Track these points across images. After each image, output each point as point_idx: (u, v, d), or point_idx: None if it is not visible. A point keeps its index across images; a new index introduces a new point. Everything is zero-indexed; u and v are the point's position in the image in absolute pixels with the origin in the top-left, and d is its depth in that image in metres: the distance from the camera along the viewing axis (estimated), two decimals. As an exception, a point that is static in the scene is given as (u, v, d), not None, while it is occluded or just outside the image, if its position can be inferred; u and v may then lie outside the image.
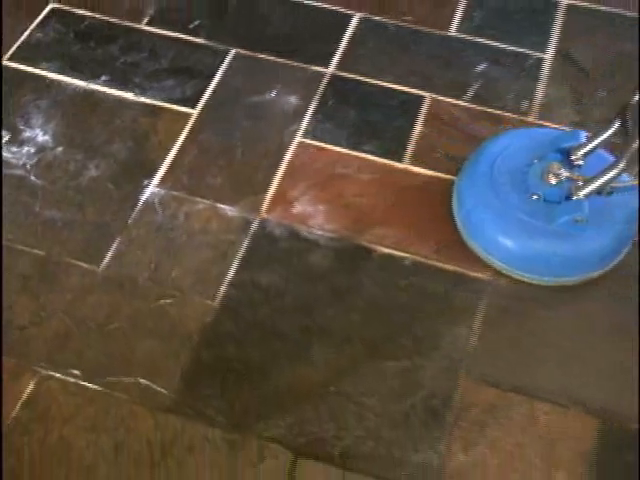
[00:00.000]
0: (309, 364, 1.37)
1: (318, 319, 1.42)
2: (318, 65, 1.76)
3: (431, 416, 1.33)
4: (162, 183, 1.56)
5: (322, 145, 1.63)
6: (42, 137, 1.61)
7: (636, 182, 1.42)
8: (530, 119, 1.72)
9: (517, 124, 1.71)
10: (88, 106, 1.67)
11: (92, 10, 1.82)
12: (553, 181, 1.45)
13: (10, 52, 1.75)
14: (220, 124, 1.66)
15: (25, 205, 1.51)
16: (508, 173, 1.49)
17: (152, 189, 1.55)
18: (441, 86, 1.75)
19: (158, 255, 1.47)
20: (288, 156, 1.62)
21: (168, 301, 1.42)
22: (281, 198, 1.56)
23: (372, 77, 1.75)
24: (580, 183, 1.43)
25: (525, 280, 1.47)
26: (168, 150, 1.60)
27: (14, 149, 1.58)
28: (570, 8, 1.93)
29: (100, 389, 1.31)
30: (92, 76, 1.71)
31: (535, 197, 1.46)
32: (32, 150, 1.58)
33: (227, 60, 1.76)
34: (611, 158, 1.46)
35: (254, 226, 1.51)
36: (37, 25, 1.80)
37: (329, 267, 1.48)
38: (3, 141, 1.60)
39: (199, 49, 1.77)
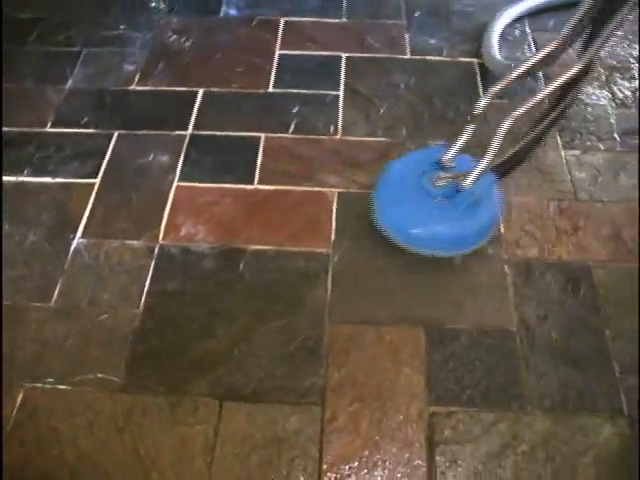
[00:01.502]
0: (215, 337, 1.45)
1: (214, 305, 1.50)
2: (179, 130, 1.84)
3: (309, 353, 1.43)
4: (84, 235, 1.61)
5: (193, 185, 1.71)
6: None
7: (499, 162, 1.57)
8: (337, 137, 1.82)
9: (329, 142, 1.81)
10: (19, 192, 1.71)
11: (8, 125, 1.86)
12: (442, 183, 1.53)
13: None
14: (117, 185, 1.71)
15: (-15, 271, 1.57)
16: (412, 187, 1.55)
17: (77, 240, 1.60)
18: (270, 127, 1.84)
19: (91, 286, 1.52)
20: (170, 197, 1.68)
21: (105, 316, 1.48)
22: (171, 227, 1.62)
23: (220, 130, 1.83)
24: (460, 178, 1.51)
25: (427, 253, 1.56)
26: (83, 211, 1.65)
27: (-30, 234, 1.64)
28: (349, 59, 2.05)
29: (70, 387, 1.38)
30: (18, 171, 1.75)
31: (436, 198, 1.53)
32: (-17, 232, 1.64)
33: (113, 140, 1.82)
34: (468, 157, 1.57)
35: (156, 251, 1.58)
36: None
37: (215, 268, 1.55)
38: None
39: (91, 137, 1.83)
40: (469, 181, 1.49)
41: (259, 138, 1.81)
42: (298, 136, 1.82)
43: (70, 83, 1.99)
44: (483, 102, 1.44)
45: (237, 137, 1.82)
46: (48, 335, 1.45)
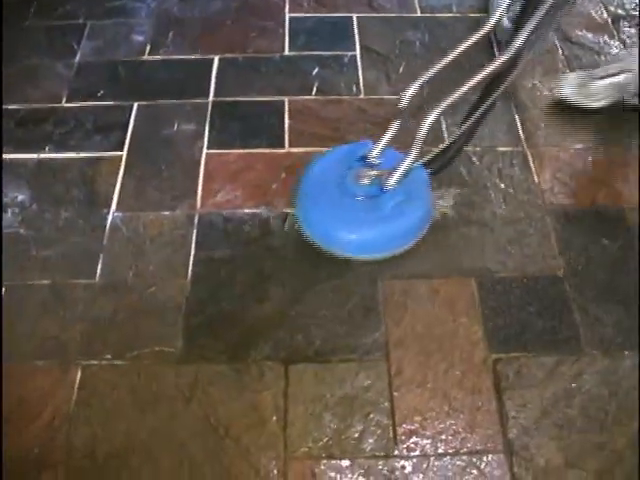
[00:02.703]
0: (269, 301, 1.41)
1: (264, 270, 1.46)
2: (201, 98, 1.78)
3: (366, 310, 1.41)
4: (118, 208, 1.55)
5: (223, 151, 1.65)
6: (19, 202, 1.56)
7: (427, 158, 1.43)
8: (361, 96, 1.79)
9: (354, 102, 1.77)
10: (43, 170, 1.63)
11: (23, 103, 1.77)
12: (366, 182, 1.41)
13: (-30, 147, 1.69)
14: (144, 157, 1.65)
15: (23, 252, 1.48)
16: (333, 187, 1.43)
17: (113, 215, 1.53)
18: (292, 90, 1.79)
19: (134, 259, 1.46)
20: (202, 165, 1.63)
21: (153, 289, 1.42)
22: (208, 195, 1.57)
23: (242, 96, 1.78)
24: (385, 176, 1.38)
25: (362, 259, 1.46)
26: (114, 185, 1.59)
27: (2, 214, 1.54)
28: (361, 19, 2.01)
29: (128, 362, 1.33)
30: (39, 149, 1.67)
31: (359, 198, 1.41)
32: (16, 211, 1.54)
33: (133, 111, 1.75)
34: (397, 153, 1.43)
35: (196, 219, 1.53)
36: None
37: (259, 232, 1.51)
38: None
39: (110, 109, 1.76)
40: (393, 180, 1.37)
41: (283, 102, 1.76)
42: (322, 97, 1.78)
43: (79, 56, 1.90)
44: (408, 94, 1.31)
45: (261, 102, 1.77)
46: (97, 312, 1.39)
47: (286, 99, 1.76)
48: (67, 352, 1.34)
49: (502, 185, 1.60)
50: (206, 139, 1.68)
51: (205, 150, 1.66)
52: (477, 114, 1.36)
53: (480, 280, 1.45)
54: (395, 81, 1.84)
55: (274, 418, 1.26)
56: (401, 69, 1.86)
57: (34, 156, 1.66)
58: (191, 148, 1.66)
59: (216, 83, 1.82)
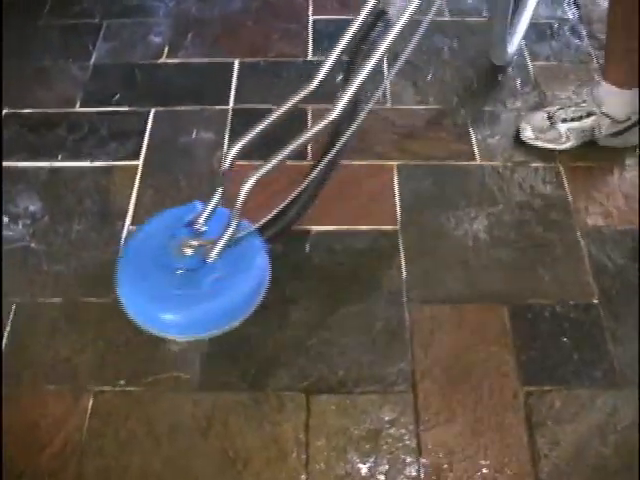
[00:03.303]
0: (290, 326, 1.34)
1: (285, 292, 1.38)
2: (220, 104, 1.70)
3: (392, 337, 1.32)
4: (134, 221, 1.47)
5: (244, 162, 1.51)
6: (30, 213, 1.49)
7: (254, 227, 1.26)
8: (388, 105, 1.71)
9: (381, 112, 1.68)
10: (56, 179, 1.56)
11: (35, 107, 1.70)
12: (189, 252, 1.24)
13: (-19, 154, 1.63)
14: (161, 166, 1.58)
15: (34, 267, 1.41)
16: (151, 258, 1.26)
17: (128, 228, 1.46)
18: (316, 97, 1.61)
19: None
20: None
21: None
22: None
23: (263, 103, 1.69)
24: (209, 246, 1.23)
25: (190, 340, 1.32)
26: (129, 196, 1.51)
27: (12, 226, 1.47)
28: None
29: (143, 389, 1.25)
30: (52, 156, 1.59)
31: (180, 271, 1.23)
32: (27, 223, 1.47)
33: (150, 117, 1.68)
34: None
35: None
36: None
37: (281, 251, 1.40)
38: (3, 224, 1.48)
39: (126, 115, 1.68)
40: (214, 253, 1.22)
41: (306, 110, 1.67)
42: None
43: (94, 58, 1.82)
44: (230, 155, 1.21)
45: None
46: (111, 333, 1.31)
47: (310, 107, 1.67)
48: (79, 377, 1.26)
49: (533, 204, 1.52)
50: (226, 148, 1.57)
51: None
52: (315, 174, 1.24)
53: (511, 306, 1.36)
54: (422, 89, 1.75)
55: (295, 452, 1.18)
56: (429, 77, 1.78)
57: (46, 164, 1.59)
58: (210, 158, 1.59)
59: (237, 88, 1.74)
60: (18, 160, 1.59)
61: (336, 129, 1.23)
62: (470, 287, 1.39)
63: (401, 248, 1.44)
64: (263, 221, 1.27)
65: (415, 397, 1.24)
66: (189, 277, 1.24)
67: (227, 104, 1.70)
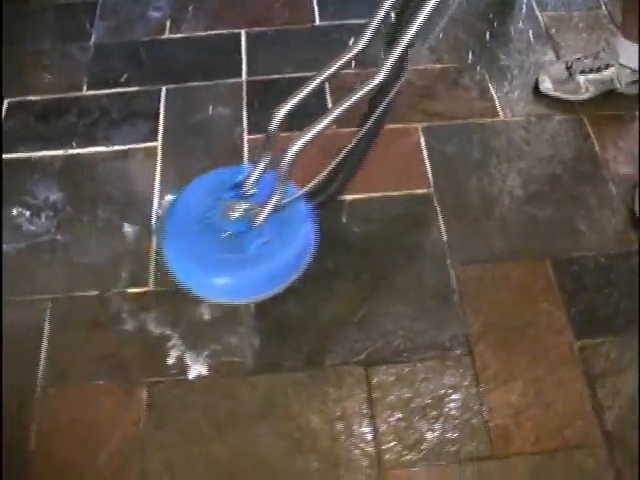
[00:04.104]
0: (339, 299, 1.30)
1: (329, 264, 1.33)
2: (233, 77, 1.63)
3: (442, 302, 1.30)
4: (160, 205, 1.40)
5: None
6: (51, 204, 1.41)
7: (302, 192, 1.19)
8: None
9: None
10: (73, 167, 1.48)
11: (40, 93, 1.60)
12: (236, 215, 1.20)
13: (-8, 148, 1.53)
14: (181, 146, 1.51)
15: (63, 260, 1.33)
16: (197, 221, 1.22)
17: (156, 211, 1.39)
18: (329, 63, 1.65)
19: None
20: (245, 150, 1.49)
21: (214, 300, 1.27)
22: None
23: (277, 73, 1.63)
24: (256, 210, 1.19)
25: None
26: (152, 179, 1.44)
27: (36, 220, 1.39)
28: None
29: (197, 376, 1.20)
30: (65, 144, 1.51)
31: (226, 234, 1.20)
32: (50, 215, 1.39)
33: (162, 96, 1.60)
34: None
35: None
36: (4, 119, 1.56)
37: (318, 224, 1.29)
38: (24, 218, 1.40)
39: (137, 95, 1.60)
40: (260, 218, 1.18)
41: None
42: (362, 71, 1.57)
43: (94, 38, 1.72)
44: (277, 117, 1.15)
45: (298, 78, 1.51)
46: (152, 323, 1.25)
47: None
48: (128, 370, 1.21)
49: (561, 156, 1.49)
50: (245, 123, 1.54)
51: (246, 135, 1.51)
52: (360, 141, 1.19)
53: (554, 261, 1.33)
54: (436, 48, 1.69)
55: (362, 426, 1.15)
56: (440, 35, 1.69)
57: (60, 152, 1.50)
58: (231, 134, 1.52)
59: (247, 60, 1.66)
60: (30, 150, 1.51)
61: (377, 94, 1.16)
62: (511, 245, 1.37)
63: (438, 210, 1.40)
64: (310, 186, 1.20)
65: (473, 360, 1.22)
66: (235, 242, 1.20)
67: (240, 77, 1.63)
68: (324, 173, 1.19)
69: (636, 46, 1.50)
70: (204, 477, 1.11)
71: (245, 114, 1.55)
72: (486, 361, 1.22)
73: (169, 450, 1.13)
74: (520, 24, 1.75)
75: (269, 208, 1.17)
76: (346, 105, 1.13)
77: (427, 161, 1.47)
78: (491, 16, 1.78)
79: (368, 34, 1.15)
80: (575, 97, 1.59)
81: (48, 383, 1.19)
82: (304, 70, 1.61)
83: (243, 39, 1.70)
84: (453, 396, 1.18)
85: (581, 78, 1.57)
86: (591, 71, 1.57)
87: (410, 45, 1.10)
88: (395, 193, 1.42)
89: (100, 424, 1.15)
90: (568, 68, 1.59)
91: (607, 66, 1.56)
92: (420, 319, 1.27)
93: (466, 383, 1.19)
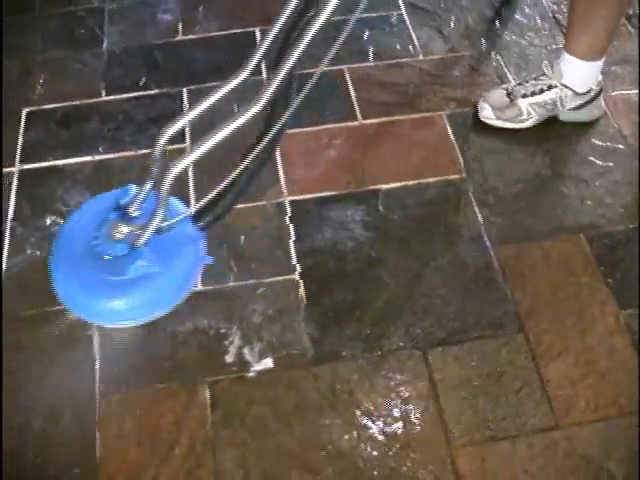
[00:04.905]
0: (387, 286, 1.31)
1: (372, 253, 1.34)
2: (255, 76, 1.49)
3: (487, 282, 1.31)
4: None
5: (295, 131, 1.50)
6: None
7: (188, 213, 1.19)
8: (420, 57, 1.67)
9: (415, 64, 1.65)
10: (104, 173, 1.46)
11: (57, 101, 1.57)
12: (119, 237, 1.17)
13: (17, 157, 1.48)
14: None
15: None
16: (84, 242, 1.18)
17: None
18: (348, 57, 1.64)
19: (231, 259, 1.32)
20: (277, 147, 1.39)
21: (262, 290, 1.29)
22: (292, 179, 1.44)
23: (300, 69, 1.52)
24: (138, 232, 1.16)
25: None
26: (186, 180, 1.42)
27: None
28: None
29: (257, 372, 1.20)
30: (92, 150, 1.49)
31: (107, 257, 1.16)
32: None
33: (185, 97, 1.58)
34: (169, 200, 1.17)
35: (288, 207, 1.39)
36: (24, 129, 1.53)
37: (356, 214, 1.39)
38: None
39: (158, 98, 1.58)
40: (142, 240, 1.15)
41: (343, 71, 1.62)
42: (381, 63, 1.65)
43: (106, 44, 1.70)
44: (166, 134, 1.15)
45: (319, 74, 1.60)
46: (205, 322, 1.25)
47: (345, 68, 1.62)
48: (187, 370, 1.20)
49: (586, 135, 1.53)
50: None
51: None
52: (250, 160, 1.19)
53: (588, 236, 1.37)
54: (449, 37, 1.72)
55: (428, 408, 1.16)
56: (452, 24, 1.74)
57: (88, 158, 1.48)
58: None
59: (266, 57, 1.62)
60: (56, 158, 1.48)
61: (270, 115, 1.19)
62: (544, 222, 1.39)
63: (470, 194, 1.42)
64: (196, 207, 1.20)
65: (525, 336, 1.24)
66: (116, 263, 1.16)
67: (260, 74, 1.57)
68: (212, 194, 1.17)
69: (581, 64, 1.46)
70: (277, 471, 1.10)
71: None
72: (538, 336, 1.24)
73: (239, 447, 1.12)
74: (527, 9, 1.79)
75: (150, 230, 1.14)
76: (231, 126, 1.17)
77: (456, 147, 1.49)
78: (498, 4, 1.81)
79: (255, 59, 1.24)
80: (517, 125, 1.53)
81: (108, 389, 1.18)
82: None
83: (258, 37, 1.69)
84: (511, 371, 1.20)
85: (523, 103, 1.51)
86: (533, 94, 1.51)
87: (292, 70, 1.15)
88: (428, 180, 1.44)
89: (167, 427, 1.14)
90: (509, 94, 1.53)
91: (549, 87, 1.50)
92: (468, 300, 1.28)
93: (522, 358, 1.21)
